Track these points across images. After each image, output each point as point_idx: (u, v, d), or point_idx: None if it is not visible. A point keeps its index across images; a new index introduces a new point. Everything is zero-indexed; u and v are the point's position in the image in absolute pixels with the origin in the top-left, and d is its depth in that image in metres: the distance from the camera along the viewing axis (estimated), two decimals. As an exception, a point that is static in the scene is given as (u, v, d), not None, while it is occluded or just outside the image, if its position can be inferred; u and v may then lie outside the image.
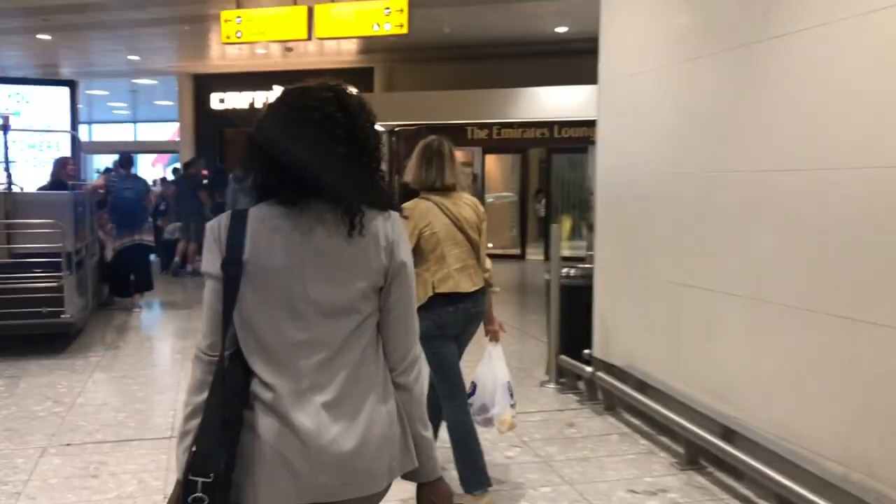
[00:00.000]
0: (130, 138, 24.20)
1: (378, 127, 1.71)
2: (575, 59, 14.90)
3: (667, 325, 4.43)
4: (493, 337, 3.69)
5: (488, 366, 3.62)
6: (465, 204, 3.46)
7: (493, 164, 16.12)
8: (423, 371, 1.82)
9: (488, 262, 3.52)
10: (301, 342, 1.60)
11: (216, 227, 1.64)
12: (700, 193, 4.11)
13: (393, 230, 1.67)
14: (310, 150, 1.58)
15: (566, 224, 16.22)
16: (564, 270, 5.57)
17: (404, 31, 9.87)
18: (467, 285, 3.38)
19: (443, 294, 3.33)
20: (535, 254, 15.41)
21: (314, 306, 1.60)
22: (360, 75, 16.46)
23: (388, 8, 9.87)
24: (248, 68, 17.10)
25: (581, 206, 15.70)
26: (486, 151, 15.14)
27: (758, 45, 3.63)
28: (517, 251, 15.43)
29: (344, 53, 16.32)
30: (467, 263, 3.38)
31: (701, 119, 4.12)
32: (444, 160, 3.39)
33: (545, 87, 13.86)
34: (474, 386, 3.63)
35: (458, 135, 14.93)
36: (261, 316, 1.60)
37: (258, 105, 17.44)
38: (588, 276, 5.37)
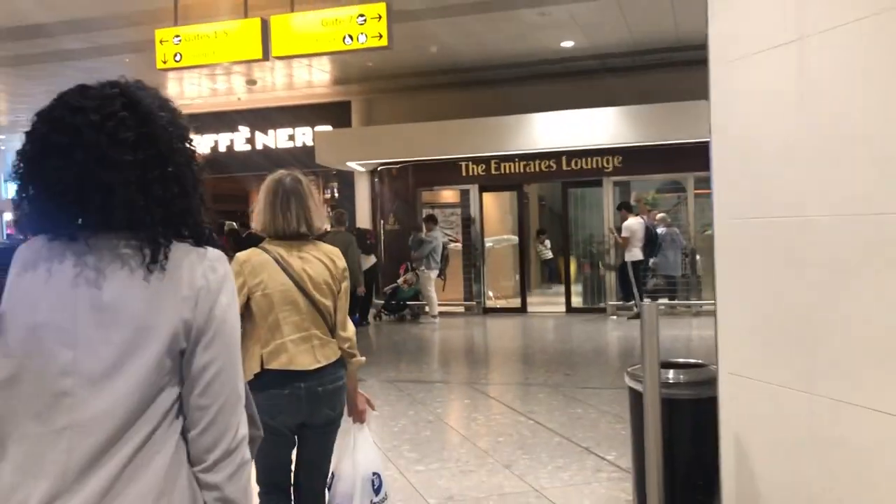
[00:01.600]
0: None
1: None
2: (584, 80, 13.12)
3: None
4: (359, 418, 3.11)
5: (352, 453, 3.05)
6: (315, 257, 2.91)
7: (492, 204, 14.05)
8: (247, 467, 1.36)
9: (350, 329, 2.97)
10: (63, 428, 1.26)
11: None
12: None
13: (206, 274, 1.34)
14: (86, 163, 1.29)
15: (573, 266, 14.23)
16: (666, 374, 3.45)
17: (384, 43, 7.87)
18: (307, 361, 2.83)
19: (274, 371, 2.78)
20: (538, 304, 13.30)
21: (86, 379, 1.27)
22: (336, 110, 14.55)
23: (362, 15, 7.88)
24: (209, 108, 15.13)
25: (593, 247, 13.70)
26: (483, 189, 13.07)
27: None
28: (518, 303, 13.24)
29: (316, 86, 14.41)
30: (310, 333, 2.85)
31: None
32: (297, 200, 2.88)
33: (550, 113, 11.92)
34: (332, 479, 3.06)
35: (450, 171, 12.94)
36: (12, 393, 1.27)
37: (222, 149, 15.51)
38: (704, 384, 3.27)
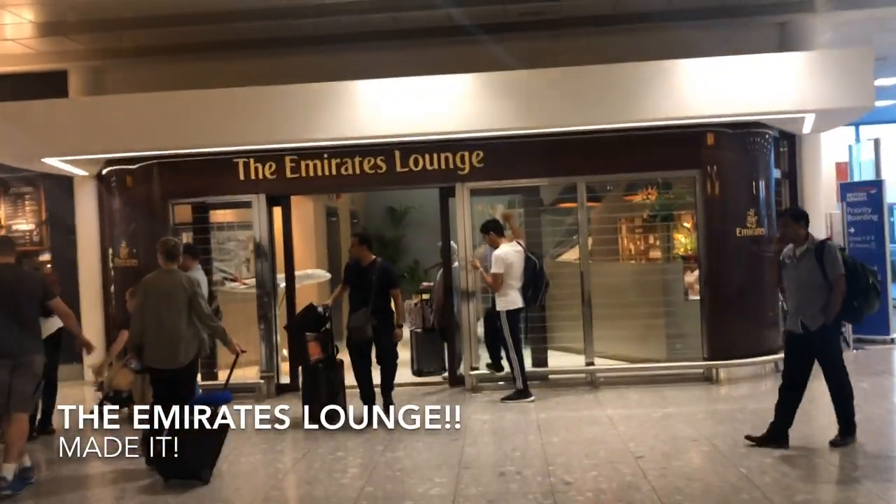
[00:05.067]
0: None
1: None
2: (435, 42, 9.02)
3: None
4: None
5: None
6: None
7: (289, 223, 9.47)
8: None
9: None
10: None
11: None
12: None
13: None
14: None
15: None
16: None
17: None
18: None
19: None
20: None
21: None
22: (44, 84, 9.38)
23: None
24: None
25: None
26: (272, 201, 8.44)
27: None
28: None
29: (9, 40, 9.20)
30: None
31: None
32: None
33: (377, 81, 7.74)
34: None
35: (221, 173, 8.21)
36: None
37: None
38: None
